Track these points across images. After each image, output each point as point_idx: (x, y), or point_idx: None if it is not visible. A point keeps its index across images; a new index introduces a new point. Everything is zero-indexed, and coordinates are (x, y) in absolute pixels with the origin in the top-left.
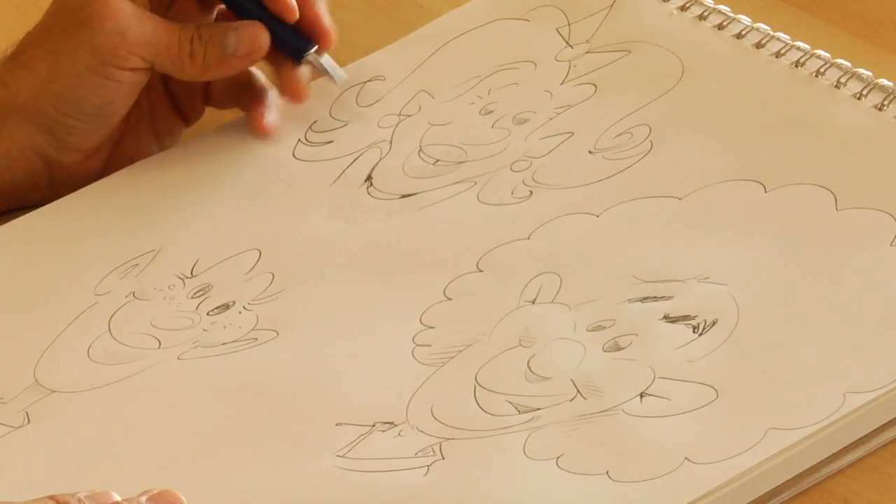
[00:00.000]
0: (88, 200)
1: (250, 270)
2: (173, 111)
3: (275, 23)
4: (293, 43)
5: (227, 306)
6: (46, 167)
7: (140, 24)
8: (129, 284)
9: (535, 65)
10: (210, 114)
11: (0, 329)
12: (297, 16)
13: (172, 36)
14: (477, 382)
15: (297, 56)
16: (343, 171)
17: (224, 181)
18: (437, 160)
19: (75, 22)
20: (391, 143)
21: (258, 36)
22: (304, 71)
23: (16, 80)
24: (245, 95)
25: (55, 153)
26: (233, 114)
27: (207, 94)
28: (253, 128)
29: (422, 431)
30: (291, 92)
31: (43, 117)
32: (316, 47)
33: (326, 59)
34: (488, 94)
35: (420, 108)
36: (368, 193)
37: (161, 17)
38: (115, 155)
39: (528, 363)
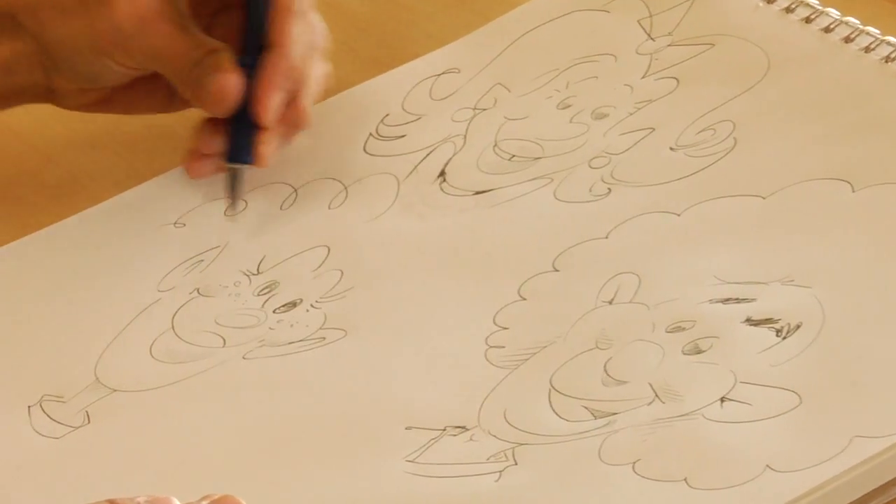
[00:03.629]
0: (154, 193)
1: (318, 267)
2: None
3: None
4: (240, 140)
5: (294, 304)
6: (47, 81)
7: (152, 31)
8: (194, 281)
9: (616, 58)
10: None
11: (61, 325)
12: (264, 124)
13: (181, 54)
14: (552, 386)
15: (228, 157)
16: (416, 167)
17: (292, 175)
18: (513, 156)
19: None
20: (465, 137)
21: (225, 91)
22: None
23: None
24: None
25: (55, 75)
26: None
27: None
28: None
29: (494, 436)
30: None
31: (46, 44)
32: (249, 166)
33: (241, 181)
34: (566, 87)
35: (496, 101)
36: (441, 189)
37: (205, 23)
38: (124, 92)
39: (604, 366)
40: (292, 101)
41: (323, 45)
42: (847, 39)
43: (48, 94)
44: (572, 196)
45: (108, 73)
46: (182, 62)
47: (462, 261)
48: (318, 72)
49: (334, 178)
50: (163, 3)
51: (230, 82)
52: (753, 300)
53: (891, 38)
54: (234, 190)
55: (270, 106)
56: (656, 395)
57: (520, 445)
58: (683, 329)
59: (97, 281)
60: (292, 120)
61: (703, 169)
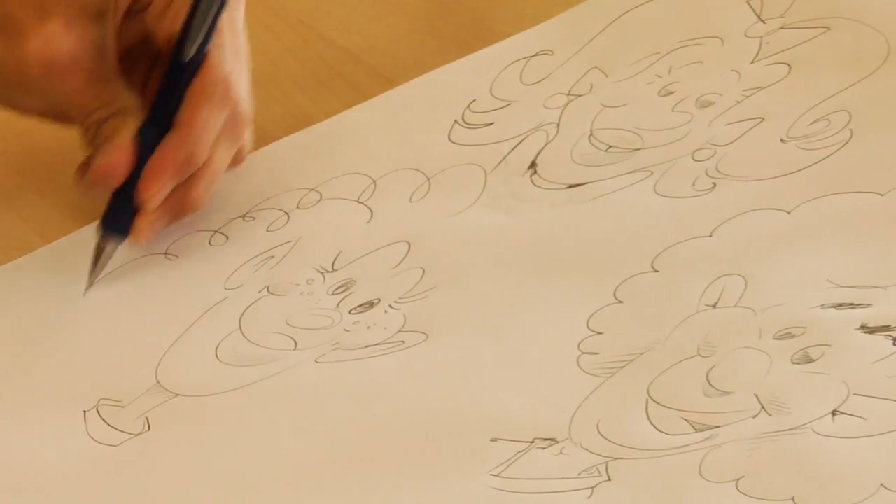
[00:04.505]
0: (221, 185)
1: (398, 265)
2: None
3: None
4: (118, 210)
5: (371, 304)
6: None
7: (59, 79)
8: (264, 278)
9: (722, 41)
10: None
11: (120, 324)
12: (144, 209)
13: (87, 110)
14: (649, 396)
15: (102, 224)
16: (504, 157)
17: (370, 165)
18: (610, 146)
19: (15, 20)
20: (558, 125)
21: (104, 173)
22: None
23: None
24: None
25: None
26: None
27: None
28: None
29: (586, 449)
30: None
31: None
32: (125, 240)
33: (108, 257)
34: (669, 72)
35: (592, 87)
36: (532, 182)
37: (145, 69)
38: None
39: (706, 375)
40: (186, 185)
41: (242, 126)
42: None
43: None
44: (674, 191)
45: (12, 104)
46: (86, 117)
47: (553, 259)
48: (224, 156)
49: (416, 169)
50: (82, 49)
51: (112, 165)
52: (869, 306)
53: None
54: (97, 261)
55: (155, 193)
56: (762, 408)
57: (614, 460)
58: (793, 336)
59: (159, 277)
60: (180, 204)
61: (816, 163)
